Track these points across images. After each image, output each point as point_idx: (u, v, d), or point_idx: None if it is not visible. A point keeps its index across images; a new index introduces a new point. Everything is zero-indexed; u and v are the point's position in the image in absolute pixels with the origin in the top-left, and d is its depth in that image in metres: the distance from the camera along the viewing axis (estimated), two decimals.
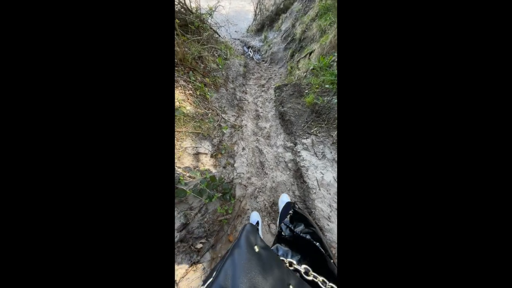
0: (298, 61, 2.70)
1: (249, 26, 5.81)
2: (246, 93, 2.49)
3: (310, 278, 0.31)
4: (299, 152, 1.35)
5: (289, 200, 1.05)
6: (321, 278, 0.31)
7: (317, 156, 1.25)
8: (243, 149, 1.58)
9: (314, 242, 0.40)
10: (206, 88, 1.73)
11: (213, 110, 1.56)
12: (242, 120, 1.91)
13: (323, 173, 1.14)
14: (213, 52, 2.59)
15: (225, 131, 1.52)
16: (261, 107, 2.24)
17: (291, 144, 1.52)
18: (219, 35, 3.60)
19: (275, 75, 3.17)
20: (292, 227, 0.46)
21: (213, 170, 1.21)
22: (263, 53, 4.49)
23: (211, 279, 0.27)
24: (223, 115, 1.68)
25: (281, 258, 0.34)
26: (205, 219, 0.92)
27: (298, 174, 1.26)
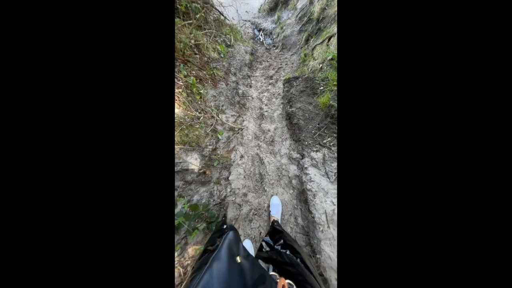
0: (314, 47, 2.27)
1: (261, 5, 5.18)
2: (250, 87, 2.19)
3: None
4: (306, 168, 1.11)
5: (279, 203, 1.03)
6: None
7: (328, 178, 0.99)
8: (241, 157, 1.37)
9: (294, 257, 0.41)
10: (200, 85, 1.48)
11: (206, 112, 1.33)
12: (243, 121, 1.67)
13: (334, 203, 0.90)
14: (214, 38, 2.27)
15: (220, 137, 1.30)
16: (266, 104, 1.95)
17: (298, 155, 1.26)
18: (225, 17, 3.20)
19: (286, 64, 2.77)
20: (272, 243, 0.46)
21: (201, 189, 1.03)
22: (274, 36, 4.00)
23: None
24: (220, 116, 1.45)
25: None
26: (182, 259, 0.76)
27: (303, 198, 1.03)
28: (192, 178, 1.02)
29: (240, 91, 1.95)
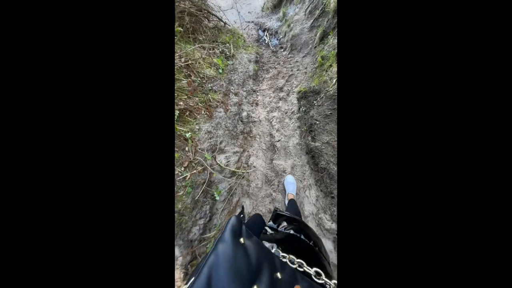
0: (336, 47, 1.79)
1: (264, 3, 4.76)
2: (257, 105, 1.79)
3: (294, 267, 0.31)
4: None
5: (294, 181, 1.07)
6: (305, 266, 0.31)
7: None
8: (249, 216, 0.99)
9: (297, 234, 0.42)
10: (190, 119, 1.12)
11: (196, 164, 0.97)
12: (249, 157, 1.28)
13: None
14: (211, 51, 1.91)
15: (217, 196, 0.93)
16: (278, 130, 1.53)
17: (333, 225, 0.83)
18: (224, 22, 2.84)
19: (297, 70, 2.31)
20: (275, 227, 0.47)
21: None
22: (281, 36, 3.54)
23: (193, 277, 0.24)
24: (218, 160, 1.08)
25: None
26: None
27: None
28: None
29: (244, 114, 1.56)
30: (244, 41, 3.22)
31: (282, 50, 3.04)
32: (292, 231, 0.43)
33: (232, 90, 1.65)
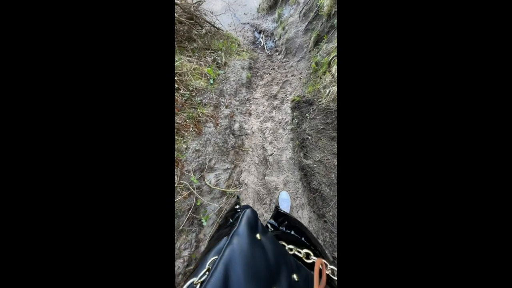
0: (329, 54, 1.74)
1: (259, 4, 4.70)
2: (250, 115, 1.75)
3: (310, 261, 0.31)
4: None
5: (288, 198, 1.03)
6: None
7: None
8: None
9: (298, 236, 0.41)
10: (177, 138, 1.08)
11: (182, 189, 0.93)
12: (241, 172, 1.24)
13: None
14: (201, 60, 1.87)
15: (205, 222, 0.89)
16: (271, 142, 1.49)
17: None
18: (217, 28, 2.79)
19: (292, 75, 2.27)
20: (276, 225, 0.46)
21: None
22: (276, 38, 3.49)
23: (203, 271, 0.23)
24: (206, 180, 1.04)
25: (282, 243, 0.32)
26: None
27: None
28: None
29: (236, 126, 1.52)
30: (238, 45, 3.18)
31: (277, 53, 2.99)
32: (293, 232, 0.42)
33: (223, 102, 1.61)
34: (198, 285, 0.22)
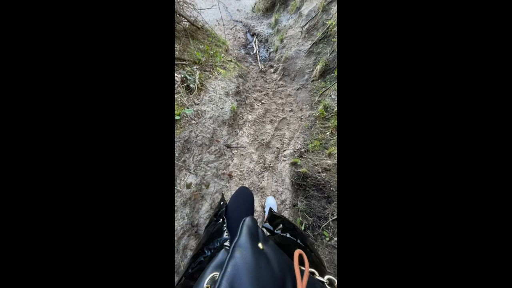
0: None
1: (255, 3, 4.10)
2: (230, 178, 1.18)
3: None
4: None
5: (274, 203, 1.05)
6: (316, 274, 0.29)
7: None
8: None
9: (294, 238, 0.41)
10: None
11: None
12: None
13: None
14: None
15: None
16: None
17: None
18: (197, 27, 2.11)
19: (290, 109, 1.77)
20: (272, 228, 0.45)
21: None
22: (271, 49, 2.98)
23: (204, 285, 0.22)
24: None
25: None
26: None
27: None
28: None
29: (201, 218, 0.94)
30: (226, 50, 2.54)
31: (272, 71, 2.47)
32: (288, 234, 0.42)
33: (187, 163, 1.00)
34: None
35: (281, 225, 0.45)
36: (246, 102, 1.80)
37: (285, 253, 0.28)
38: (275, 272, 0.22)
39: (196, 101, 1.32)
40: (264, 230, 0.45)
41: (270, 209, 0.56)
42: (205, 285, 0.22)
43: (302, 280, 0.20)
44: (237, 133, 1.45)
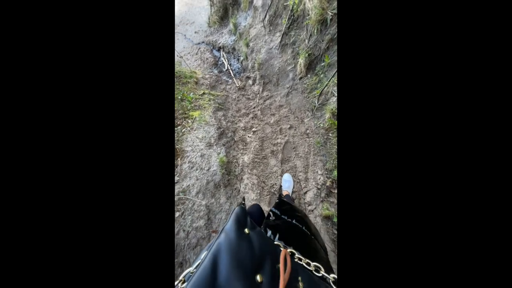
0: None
1: (209, 18, 3.84)
2: None
3: (295, 260, 0.32)
4: None
5: (291, 179, 1.09)
6: (306, 261, 0.31)
7: None
8: None
9: (300, 225, 0.43)
10: None
11: None
12: None
13: None
14: None
15: None
16: None
17: None
18: None
19: (288, 125, 1.40)
20: (279, 213, 0.47)
21: None
22: (242, 57, 2.65)
23: (197, 266, 0.25)
24: None
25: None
26: None
27: None
28: None
29: None
30: (196, 83, 2.27)
31: (251, 83, 2.12)
32: (294, 221, 0.44)
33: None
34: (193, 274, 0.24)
35: (289, 211, 0.47)
36: (235, 139, 1.48)
37: (288, 237, 0.35)
38: (255, 253, 0.25)
39: (175, 178, 1.05)
40: (271, 214, 0.46)
41: (280, 195, 0.61)
42: (198, 261, 0.25)
43: (285, 273, 0.23)
44: (239, 190, 1.13)
